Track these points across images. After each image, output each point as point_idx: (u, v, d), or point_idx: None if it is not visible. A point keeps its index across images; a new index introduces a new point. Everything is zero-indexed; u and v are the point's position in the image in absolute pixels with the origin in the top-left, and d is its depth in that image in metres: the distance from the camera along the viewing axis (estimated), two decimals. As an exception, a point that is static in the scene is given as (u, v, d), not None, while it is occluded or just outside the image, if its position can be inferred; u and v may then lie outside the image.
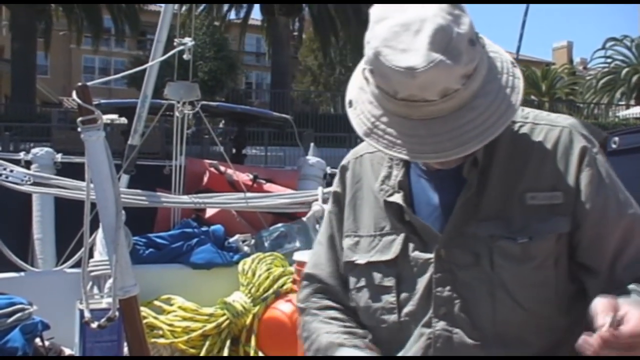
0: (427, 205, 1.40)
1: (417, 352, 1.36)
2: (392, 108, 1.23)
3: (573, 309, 1.34)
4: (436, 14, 1.18)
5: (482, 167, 1.35)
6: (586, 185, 1.30)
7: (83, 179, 2.36)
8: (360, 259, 1.45)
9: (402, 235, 1.40)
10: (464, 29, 1.18)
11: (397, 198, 1.41)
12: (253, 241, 3.90)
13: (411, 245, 1.39)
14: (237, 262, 3.64)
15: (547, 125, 1.38)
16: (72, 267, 3.58)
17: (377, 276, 1.42)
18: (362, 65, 1.29)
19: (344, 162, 1.59)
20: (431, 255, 1.36)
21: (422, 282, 1.37)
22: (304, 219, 3.91)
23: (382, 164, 1.47)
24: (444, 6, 1.19)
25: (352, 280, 1.48)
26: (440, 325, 1.35)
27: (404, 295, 1.39)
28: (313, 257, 1.62)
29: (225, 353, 3.36)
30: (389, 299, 1.41)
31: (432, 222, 1.38)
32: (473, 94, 1.21)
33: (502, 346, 1.31)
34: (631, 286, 1.26)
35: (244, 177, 4.51)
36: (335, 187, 1.59)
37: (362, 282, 1.45)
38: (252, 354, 3.36)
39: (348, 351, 1.40)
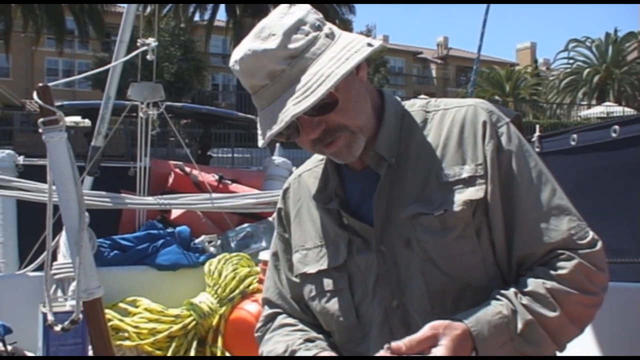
0: (363, 205, 1.46)
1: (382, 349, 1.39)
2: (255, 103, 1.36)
3: (508, 278, 1.39)
4: (270, 16, 1.36)
5: (399, 159, 1.42)
6: (492, 152, 1.37)
7: (46, 182, 2.33)
8: (311, 269, 1.51)
9: (345, 240, 1.45)
10: (288, 21, 1.32)
11: (334, 204, 1.47)
12: (219, 242, 3.89)
13: (355, 247, 1.44)
14: (203, 263, 3.63)
15: (455, 108, 1.46)
16: (35, 270, 3.52)
17: (329, 282, 1.48)
18: None
19: (285, 184, 1.66)
20: (373, 253, 1.42)
21: (370, 280, 1.43)
22: (270, 219, 3.92)
23: (319, 178, 1.54)
24: (282, 6, 1.37)
25: (306, 290, 1.53)
26: (397, 317, 1.40)
27: (357, 295, 1.45)
28: (266, 282, 1.69)
29: (192, 354, 3.35)
30: (345, 301, 1.46)
31: (371, 221, 1.43)
32: (302, 70, 1.29)
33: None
34: (510, 291, 1.32)
35: (210, 178, 4.49)
36: (278, 209, 1.65)
37: (316, 290, 1.50)
38: (219, 354, 3.35)
39: (305, 354, 1.45)
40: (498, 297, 1.32)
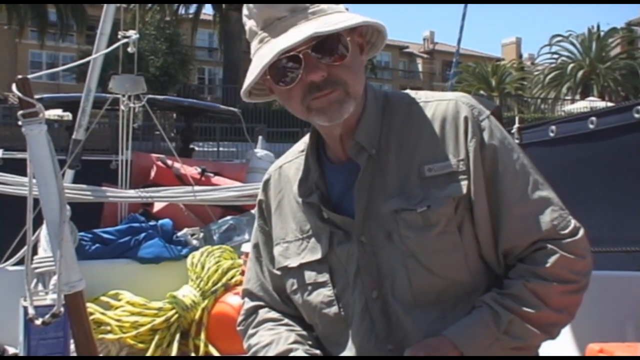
0: (345, 198, 1.47)
1: (363, 339, 1.41)
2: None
3: (491, 273, 1.41)
4: None
5: (379, 150, 1.43)
6: (474, 149, 1.38)
7: (26, 175, 2.32)
8: (292, 262, 1.52)
9: (326, 232, 1.46)
10: None
11: (314, 198, 1.48)
12: (202, 234, 3.89)
13: (336, 239, 1.45)
14: (185, 256, 3.62)
15: (436, 101, 1.46)
16: (16, 264, 3.50)
17: (311, 275, 1.49)
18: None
19: (265, 176, 1.66)
20: (354, 244, 1.42)
21: (351, 271, 1.43)
22: (253, 211, 3.91)
23: (300, 169, 1.54)
24: None
25: (288, 283, 1.54)
26: (377, 307, 1.41)
27: (339, 287, 1.46)
28: (247, 273, 1.69)
29: (175, 347, 3.35)
30: (327, 293, 1.47)
31: (352, 213, 1.43)
32: (321, 11, 1.34)
33: (424, 314, 1.37)
34: (488, 297, 1.35)
35: (192, 171, 4.49)
36: (259, 200, 1.66)
37: (298, 284, 1.51)
38: (202, 347, 3.35)
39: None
40: (479, 304, 1.35)
